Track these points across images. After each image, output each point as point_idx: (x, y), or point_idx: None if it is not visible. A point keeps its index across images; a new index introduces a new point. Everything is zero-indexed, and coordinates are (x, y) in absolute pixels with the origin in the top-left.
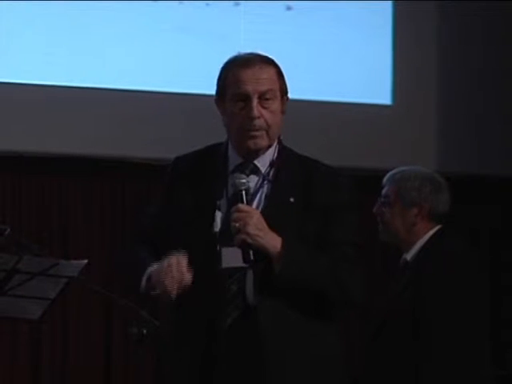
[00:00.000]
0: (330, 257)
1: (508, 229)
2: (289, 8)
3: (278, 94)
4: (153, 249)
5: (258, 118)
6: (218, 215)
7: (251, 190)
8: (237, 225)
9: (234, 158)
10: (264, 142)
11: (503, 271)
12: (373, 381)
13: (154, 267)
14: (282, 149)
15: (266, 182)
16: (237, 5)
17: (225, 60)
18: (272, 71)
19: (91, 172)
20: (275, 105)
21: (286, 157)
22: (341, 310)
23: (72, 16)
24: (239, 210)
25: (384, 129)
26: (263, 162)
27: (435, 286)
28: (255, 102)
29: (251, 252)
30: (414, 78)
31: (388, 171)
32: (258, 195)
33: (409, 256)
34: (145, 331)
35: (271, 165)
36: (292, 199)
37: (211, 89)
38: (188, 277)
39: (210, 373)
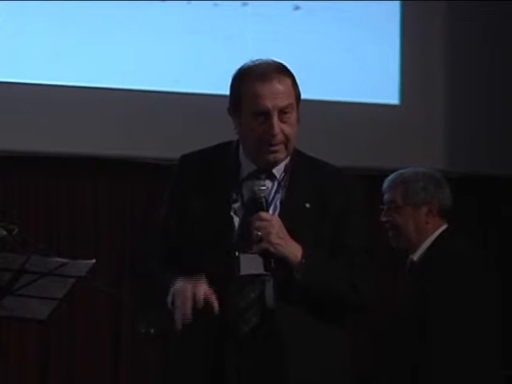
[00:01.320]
0: (345, 263)
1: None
2: (296, 8)
3: (295, 104)
4: (170, 254)
5: (279, 134)
6: (235, 220)
7: (268, 197)
8: (259, 233)
9: (247, 164)
10: (283, 155)
11: None
12: (381, 381)
13: (177, 286)
14: (296, 154)
15: (280, 188)
16: (244, 5)
17: (232, 60)
18: (289, 82)
19: (99, 172)
20: (293, 117)
21: (299, 161)
22: (354, 315)
23: (77, 16)
24: (261, 219)
25: (392, 128)
26: (278, 168)
27: (441, 287)
28: (275, 118)
29: (272, 260)
30: (422, 77)
31: (396, 171)
32: (274, 201)
33: (415, 256)
34: (152, 331)
35: (285, 170)
36: (308, 205)
37: (219, 89)
38: (200, 304)
39: (222, 379)
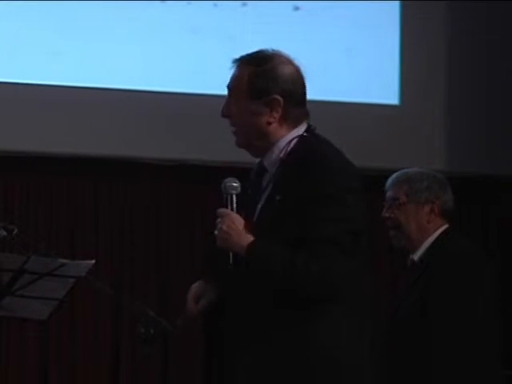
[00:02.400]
0: (303, 252)
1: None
2: (296, 8)
3: (244, 93)
4: None
5: (225, 114)
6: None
7: (262, 190)
8: (215, 231)
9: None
10: (239, 140)
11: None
12: (384, 380)
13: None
14: (300, 145)
15: (271, 181)
16: (244, 5)
17: (231, 60)
18: (246, 71)
19: (99, 172)
20: (232, 102)
21: (295, 154)
22: (310, 297)
23: (77, 16)
24: (218, 215)
25: (392, 129)
26: (269, 162)
27: (442, 286)
28: (227, 98)
29: (231, 254)
30: (422, 78)
31: (396, 171)
32: (264, 194)
33: (416, 256)
34: (152, 331)
35: (280, 163)
36: (278, 197)
37: (218, 89)
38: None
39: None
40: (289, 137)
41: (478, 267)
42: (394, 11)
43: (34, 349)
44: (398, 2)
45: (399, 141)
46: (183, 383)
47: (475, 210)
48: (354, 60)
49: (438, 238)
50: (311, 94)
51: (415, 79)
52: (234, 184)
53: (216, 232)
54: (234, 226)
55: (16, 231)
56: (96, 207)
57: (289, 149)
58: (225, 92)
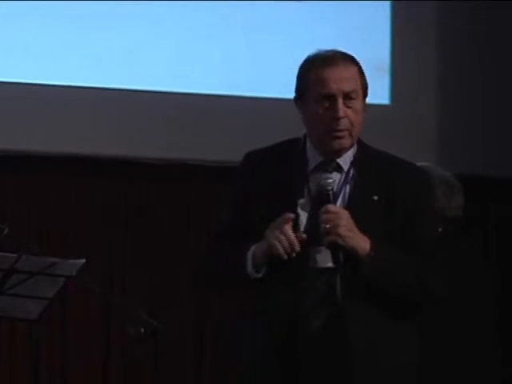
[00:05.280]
0: (413, 257)
1: (507, 229)
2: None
3: (361, 92)
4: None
5: (343, 118)
6: (303, 215)
7: (334, 189)
8: (327, 226)
9: (314, 157)
10: (348, 142)
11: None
12: None
13: (255, 246)
14: (362, 146)
15: (348, 181)
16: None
17: (225, 60)
18: (354, 70)
19: (91, 172)
20: (358, 104)
21: (366, 154)
22: (421, 311)
23: (69, 15)
24: (328, 211)
25: (382, 129)
26: (345, 160)
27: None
28: (340, 102)
29: (341, 253)
30: (413, 77)
31: None
32: (342, 194)
33: None
34: (142, 330)
35: (352, 163)
36: (376, 197)
37: (212, 89)
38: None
39: (293, 373)
40: None
41: (477, 266)
42: (384, 11)
43: (24, 349)
44: (388, 2)
45: (390, 141)
46: (174, 383)
47: (467, 209)
48: None
49: None
50: None
51: (406, 78)
52: (329, 180)
53: (327, 229)
54: (354, 224)
55: (7, 230)
56: (88, 207)
57: (356, 149)
58: (219, 91)
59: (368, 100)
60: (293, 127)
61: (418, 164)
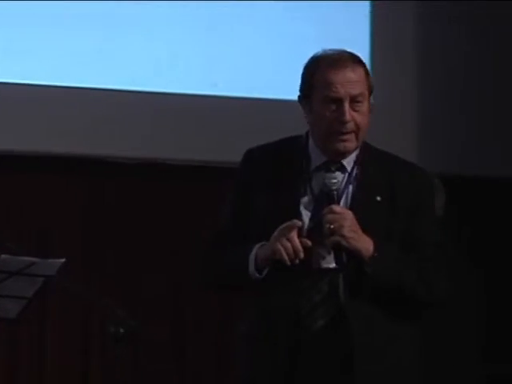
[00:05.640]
0: (416, 257)
1: (488, 229)
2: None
3: (367, 94)
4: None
5: (350, 121)
6: (305, 213)
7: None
8: (331, 226)
9: (317, 156)
10: (353, 145)
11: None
12: None
13: (258, 246)
14: (366, 146)
15: (351, 181)
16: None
17: (210, 60)
18: (361, 71)
19: (71, 171)
20: (365, 106)
21: (369, 154)
22: (424, 311)
23: (48, 14)
24: (333, 212)
25: None
26: (348, 161)
27: None
28: (347, 105)
29: (344, 254)
30: (392, 77)
31: None
32: (345, 194)
33: None
34: (122, 330)
35: (355, 163)
36: (379, 198)
37: (186, 88)
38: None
39: (296, 374)
40: None
41: (457, 265)
42: (363, 11)
43: (2, 349)
44: (368, 2)
45: (370, 140)
46: (154, 383)
47: (448, 210)
48: None
49: None
50: (280, 94)
51: (386, 79)
52: (334, 180)
53: (332, 229)
54: (356, 226)
55: None
56: (68, 206)
57: (359, 149)
58: (198, 91)
59: None
60: (273, 127)
61: None
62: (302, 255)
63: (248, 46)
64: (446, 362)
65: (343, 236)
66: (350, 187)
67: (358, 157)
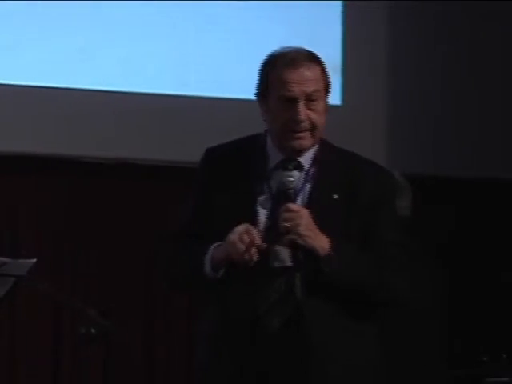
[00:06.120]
0: (375, 256)
1: (462, 229)
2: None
3: (323, 92)
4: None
5: (304, 120)
6: (262, 212)
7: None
8: (287, 225)
9: (274, 155)
10: (309, 143)
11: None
12: None
13: (214, 246)
14: (324, 145)
15: (308, 179)
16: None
17: (189, 60)
18: (318, 70)
19: (42, 171)
20: (321, 105)
21: (327, 153)
22: (383, 310)
23: (21, 14)
24: (289, 210)
25: (333, 129)
26: (306, 159)
27: None
28: (302, 104)
29: (300, 252)
30: (364, 78)
31: None
32: (302, 193)
33: None
34: (93, 331)
35: (314, 161)
36: (336, 196)
37: (157, 88)
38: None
39: (252, 373)
40: None
41: (424, 268)
42: (335, 11)
43: None
44: (340, 2)
45: (341, 141)
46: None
47: (418, 210)
48: None
49: None
50: (252, 94)
51: (358, 79)
52: (291, 179)
53: (287, 227)
54: (314, 224)
55: None
56: (38, 206)
57: (318, 148)
58: (169, 91)
59: None
60: (243, 126)
61: None
62: (255, 258)
63: (219, 45)
64: (412, 363)
65: (299, 234)
66: (308, 186)
67: (315, 155)
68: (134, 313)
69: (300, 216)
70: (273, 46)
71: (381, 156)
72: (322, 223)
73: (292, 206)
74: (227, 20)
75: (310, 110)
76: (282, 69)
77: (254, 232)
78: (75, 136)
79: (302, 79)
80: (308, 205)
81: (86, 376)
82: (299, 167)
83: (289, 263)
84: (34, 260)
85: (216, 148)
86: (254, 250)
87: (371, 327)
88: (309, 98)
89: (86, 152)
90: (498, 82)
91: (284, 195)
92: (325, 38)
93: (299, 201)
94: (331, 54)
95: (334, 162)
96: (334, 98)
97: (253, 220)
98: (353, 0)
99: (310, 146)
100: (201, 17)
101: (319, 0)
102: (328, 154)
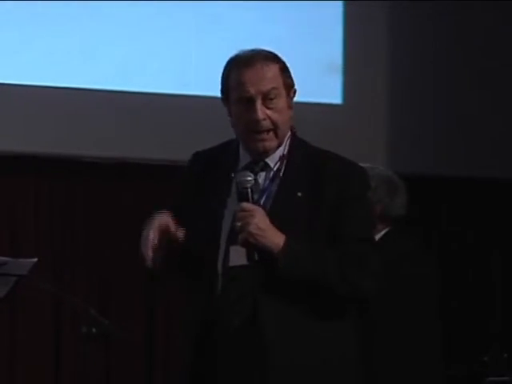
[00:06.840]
0: (337, 252)
1: (456, 228)
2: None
3: (284, 90)
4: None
5: (264, 119)
6: (228, 215)
7: (260, 187)
8: (239, 224)
9: (244, 156)
10: (273, 143)
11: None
12: None
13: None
14: (294, 142)
15: (275, 178)
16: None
17: (181, 59)
18: (275, 68)
19: (42, 171)
20: (281, 103)
21: (297, 151)
22: (351, 307)
23: (19, 14)
24: (242, 209)
25: (334, 128)
26: (273, 158)
27: (384, 288)
28: (259, 103)
29: (255, 251)
30: (365, 77)
31: None
32: (267, 192)
33: None
34: (94, 330)
35: (281, 160)
36: (300, 193)
37: (157, 87)
38: (177, 235)
39: (213, 374)
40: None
41: (420, 268)
42: (337, 11)
43: None
44: (341, 2)
45: (342, 140)
46: (125, 383)
47: (416, 209)
48: (296, 59)
49: (380, 240)
50: None
51: (358, 78)
52: (249, 178)
53: (241, 226)
54: (267, 222)
55: None
56: (37, 206)
57: (287, 146)
58: (166, 90)
59: (320, 99)
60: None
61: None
62: (150, 264)
63: (220, 45)
64: (412, 363)
65: (249, 233)
66: (274, 184)
67: (283, 153)
68: (134, 313)
69: (252, 215)
70: (273, 46)
71: (380, 154)
72: (285, 221)
73: (245, 205)
74: (227, 20)
75: (269, 108)
76: (237, 70)
77: (167, 228)
78: (75, 136)
79: (257, 78)
80: (272, 204)
81: (86, 375)
82: (266, 168)
83: (245, 262)
84: (35, 259)
85: (201, 152)
86: (150, 248)
87: (341, 324)
88: (266, 97)
89: (85, 152)
90: (498, 82)
91: (240, 195)
92: (325, 37)
93: (263, 200)
94: (332, 53)
95: (302, 159)
96: (335, 97)
97: (218, 222)
98: (353, 0)
99: (276, 147)
100: (201, 17)
101: (320, 0)
102: (297, 152)
